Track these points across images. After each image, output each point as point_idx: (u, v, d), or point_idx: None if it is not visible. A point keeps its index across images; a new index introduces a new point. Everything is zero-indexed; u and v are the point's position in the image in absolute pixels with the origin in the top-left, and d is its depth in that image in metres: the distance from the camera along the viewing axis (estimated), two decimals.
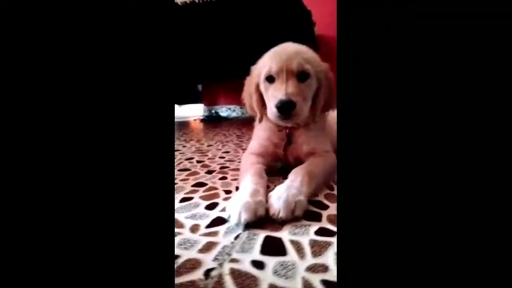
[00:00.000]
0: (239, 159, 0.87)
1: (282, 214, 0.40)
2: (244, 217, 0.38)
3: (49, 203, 0.23)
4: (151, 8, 0.25)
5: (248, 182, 0.47)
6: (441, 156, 0.21)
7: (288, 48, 0.56)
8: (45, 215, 0.23)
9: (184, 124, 2.16)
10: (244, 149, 1.07)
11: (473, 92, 0.21)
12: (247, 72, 0.66)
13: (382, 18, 0.22)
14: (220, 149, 1.06)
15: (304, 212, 0.43)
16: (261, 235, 0.37)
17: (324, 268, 0.30)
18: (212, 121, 2.33)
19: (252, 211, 0.39)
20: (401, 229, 0.21)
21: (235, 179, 0.64)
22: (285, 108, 0.50)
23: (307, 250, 0.33)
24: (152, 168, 0.25)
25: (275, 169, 0.67)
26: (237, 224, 0.39)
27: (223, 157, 0.91)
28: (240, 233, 0.38)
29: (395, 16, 0.22)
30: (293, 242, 0.35)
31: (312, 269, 0.30)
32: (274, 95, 0.53)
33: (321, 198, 0.50)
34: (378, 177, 0.22)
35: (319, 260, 0.31)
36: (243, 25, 1.60)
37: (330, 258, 0.31)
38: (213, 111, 2.78)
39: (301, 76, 0.54)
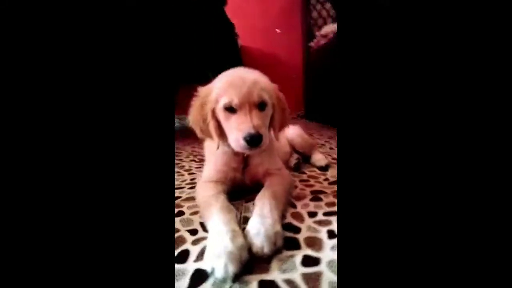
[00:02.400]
0: (189, 184, 0.81)
1: (266, 250, 0.40)
2: (231, 269, 0.36)
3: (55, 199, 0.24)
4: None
5: (218, 222, 0.44)
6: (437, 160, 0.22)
7: (246, 79, 0.55)
8: (53, 210, 0.24)
9: None
10: (188, 172, 1.00)
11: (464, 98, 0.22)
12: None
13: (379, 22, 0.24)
14: None
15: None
16: (253, 283, 0.36)
17: None
18: None
19: (237, 260, 0.37)
20: (400, 230, 0.22)
21: (195, 213, 0.58)
22: (254, 140, 0.51)
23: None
24: (153, 170, 0.27)
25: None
26: (225, 278, 0.36)
27: None
28: (231, 286, 0.35)
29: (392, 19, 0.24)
30: (287, 282, 0.35)
31: None
32: (239, 127, 0.52)
33: (289, 219, 0.53)
34: (377, 178, 0.23)
35: None
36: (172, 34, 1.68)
37: None
38: None
39: (261, 106, 0.56)
